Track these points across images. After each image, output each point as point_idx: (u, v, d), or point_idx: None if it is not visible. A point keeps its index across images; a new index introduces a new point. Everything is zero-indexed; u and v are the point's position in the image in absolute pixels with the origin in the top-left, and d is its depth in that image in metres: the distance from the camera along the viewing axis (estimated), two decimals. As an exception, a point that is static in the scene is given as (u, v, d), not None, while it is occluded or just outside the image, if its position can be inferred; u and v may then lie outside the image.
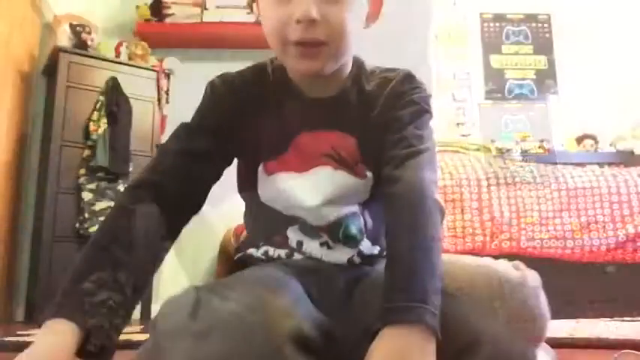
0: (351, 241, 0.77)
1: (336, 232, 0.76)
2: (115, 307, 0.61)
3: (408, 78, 0.80)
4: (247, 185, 0.81)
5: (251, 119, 0.79)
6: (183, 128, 0.78)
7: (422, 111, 0.77)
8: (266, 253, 0.78)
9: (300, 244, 0.76)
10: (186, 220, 0.75)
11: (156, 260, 0.70)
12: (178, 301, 0.55)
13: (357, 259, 0.76)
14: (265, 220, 0.79)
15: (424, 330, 0.55)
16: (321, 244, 0.76)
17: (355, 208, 0.78)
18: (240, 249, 0.82)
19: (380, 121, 0.77)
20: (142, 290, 0.66)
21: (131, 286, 0.63)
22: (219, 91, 0.81)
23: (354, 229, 0.77)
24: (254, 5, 0.81)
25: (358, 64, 0.81)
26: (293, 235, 0.77)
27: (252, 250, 0.79)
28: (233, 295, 0.55)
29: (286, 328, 0.51)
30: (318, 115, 0.78)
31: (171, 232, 0.72)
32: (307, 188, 0.77)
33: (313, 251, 0.76)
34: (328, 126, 0.78)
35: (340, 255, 0.76)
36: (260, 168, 0.79)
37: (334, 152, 0.78)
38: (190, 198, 0.75)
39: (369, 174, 0.78)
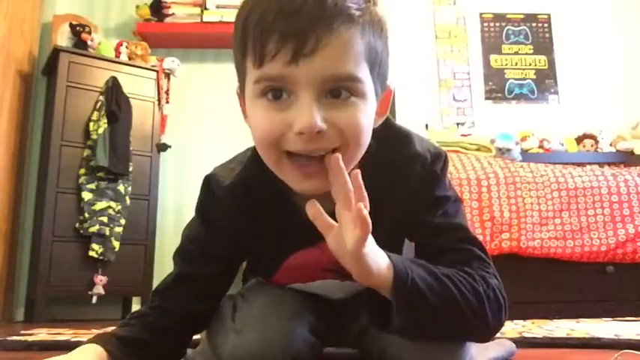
0: None
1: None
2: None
3: (415, 172, 0.69)
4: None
5: (249, 238, 0.74)
6: (189, 252, 0.76)
7: (439, 199, 0.70)
8: None
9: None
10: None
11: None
12: (223, 309, 0.76)
13: None
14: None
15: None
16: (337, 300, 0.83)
17: None
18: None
19: (391, 218, 0.69)
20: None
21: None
22: (214, 217, 0.74)
23: None
24: (240, 103, 0.67)
25: (364, 156, 0.65)
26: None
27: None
28: (259, 298, 0.76)
29: (295, 320, 0.71)
30: (316, 235, 0.64)
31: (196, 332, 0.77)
32: (321, 291, 0.79)
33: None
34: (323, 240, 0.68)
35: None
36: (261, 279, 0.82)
37: (336, 268, 0.70)
38: (207, 308, 0.77)
39: None
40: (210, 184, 0.73)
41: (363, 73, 0.59)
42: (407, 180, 0.69)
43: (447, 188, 0.71)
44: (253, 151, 0.71)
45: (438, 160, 0.70)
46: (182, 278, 0.74)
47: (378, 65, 0.62)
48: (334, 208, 0.61)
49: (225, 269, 0.76)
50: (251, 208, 0.72)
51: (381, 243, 0.64)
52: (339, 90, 0.58)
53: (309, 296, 0.79)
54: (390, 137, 0.71)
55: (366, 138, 0.61)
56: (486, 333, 0.64)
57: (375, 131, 0.67)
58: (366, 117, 0.60)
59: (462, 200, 0.73)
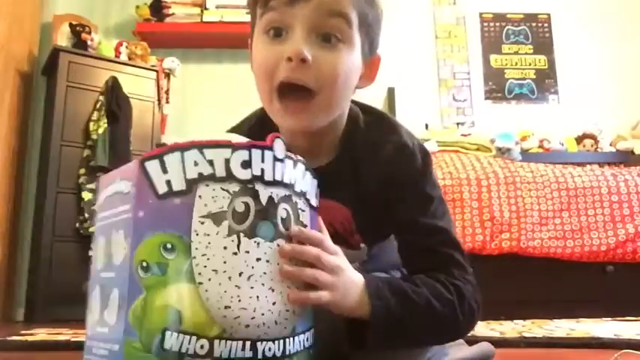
0: None
1: None
2: None
3: (399, 154, 0.71)
4: None
5: None
6: None
7: (425, 197, 0.71)
8: None
9: None
10: None
11: None
12: None
13: None
14: None
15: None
16: None
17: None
18: None
19: (377, 199, 0.72)
20: None
21: None
22: None
23: None
24: (250, 54, 0.74)
25: (352, 119, 0.75)
26: None
27: None
28: None
29: None
30: None
31: None
32: None
33: None
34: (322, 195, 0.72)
35: None
36: None
37: (329, 226, 0.72)
38: None
39: (363, 246, 0.77)
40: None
41: (353, 19, 0.66)
42: (388, 162, 0.71)
43: (434, 186, 0.73)
44: (257, 111, 0.77)
45: (424, 154, 0.73)
46: None
47: (366, 25, 0.69)
48: (313, 144, 0.71)
49: None
50: None
51: (366, 209, 0.72)
52: (329, 35, 0.65)
53: None
54: (379, 123, 0.75)
55: (343, 85, 0.67)
56: (458, 337, 0.71)
57: (364, 116, 0.75)
58: (348, 64, 0.67)
59: (445, 201, 0.75)
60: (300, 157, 0.55)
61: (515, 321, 1.88)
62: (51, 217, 2.60)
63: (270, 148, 0.50)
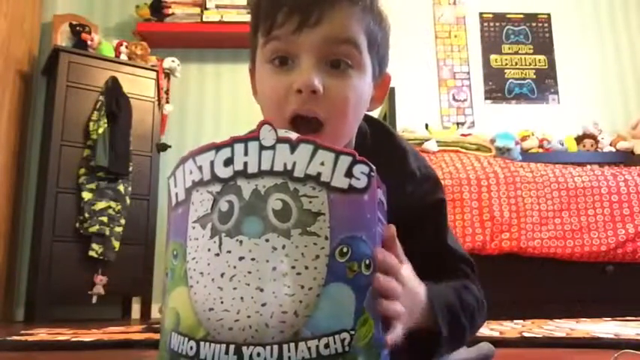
0: None
1: None
2: None
3: (410, 182, 0.73)
4: None
5: None
6: None
7: (446, 227, 0.75)
8: None
9: None
10: None
11: None
12: None
13: None
14: None
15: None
16: None
17: None
18: None
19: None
20: None
21: None
22: None
23: None
24: (251, 80, 0.74)
25: (361, 135, 0.73)
26: None
27: None
28: None
29: None
30: None
31: None
32: None
33: None
34: None
35: None
36: None
37: None
38: None
39: None
40: None
41: (362, 43, 0.64)
42: (396, 188, 0.71)
43: (447, 212, 0.77)
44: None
45: (428, 179, 0.75)
46: None
47: (376, 46, 0.67)
48: None
49: None
50: None
51: None
52: (338, 61, 0.63)
53: None
54: (385, 142, 0.76)
55: (353, 113, 0.65)
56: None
57: (370, 129, 0.75)
58: (359, 90, 0.65)
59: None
60: (310, 138, 0.47)
61: (515, 321, 1.88)
62: (51, 217, 2.61)
63: (256, 139, 0.47)
